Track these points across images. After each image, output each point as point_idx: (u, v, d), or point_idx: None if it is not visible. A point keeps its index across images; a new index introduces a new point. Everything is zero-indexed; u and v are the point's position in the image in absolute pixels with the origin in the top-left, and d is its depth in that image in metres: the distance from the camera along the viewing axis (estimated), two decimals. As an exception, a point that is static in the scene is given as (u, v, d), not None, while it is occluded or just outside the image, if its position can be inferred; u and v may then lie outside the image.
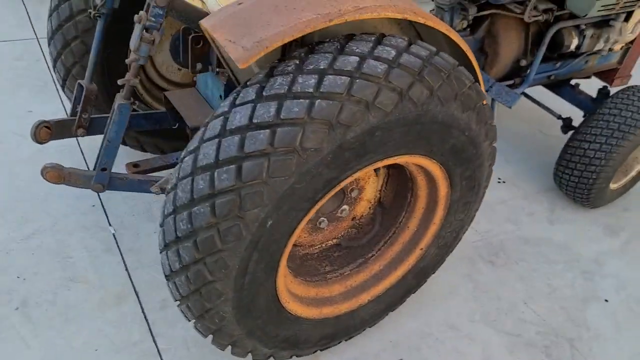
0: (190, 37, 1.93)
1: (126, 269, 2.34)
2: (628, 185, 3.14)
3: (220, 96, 2.08)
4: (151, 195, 2.03)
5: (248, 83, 1.53)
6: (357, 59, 1.49)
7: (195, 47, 1.97)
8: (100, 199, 2.64)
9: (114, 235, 2.49)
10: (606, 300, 2.57)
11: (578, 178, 2.89)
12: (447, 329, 2.33)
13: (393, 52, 1.53)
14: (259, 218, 1.46)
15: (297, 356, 2.05)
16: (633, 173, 3.11)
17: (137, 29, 1.70)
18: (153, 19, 1.68)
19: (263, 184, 1.42)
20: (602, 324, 2.46)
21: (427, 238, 2.10)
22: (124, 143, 2.59)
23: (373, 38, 1.57)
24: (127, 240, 2.47)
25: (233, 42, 1.45)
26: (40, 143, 2.10)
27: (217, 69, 2.03)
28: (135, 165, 2.22)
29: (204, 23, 1.59)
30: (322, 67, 1.47)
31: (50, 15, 2.31)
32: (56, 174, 1.92)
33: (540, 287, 2.58)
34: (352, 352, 2.19)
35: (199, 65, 2.02)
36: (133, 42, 1.71)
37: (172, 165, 2.30)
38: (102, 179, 1.98)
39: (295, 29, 1.44)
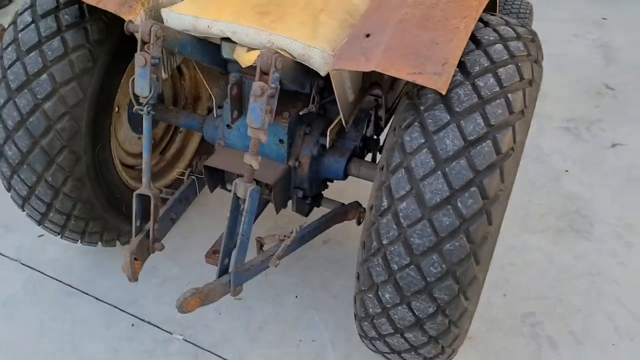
0: (230, 86, 1.75)
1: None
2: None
3: (281, 140, 1.92)
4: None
5: (422, 109, 1.49)
6: (501, 45, 1.55)
7: (233, 95, 1.78)
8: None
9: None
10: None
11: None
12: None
13: (510, 30, 1.62)
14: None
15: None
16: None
17: (258, 102, 1.46)
18: (274, 85, 1.46)
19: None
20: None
21: None
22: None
23: (488, 23, 1.62)
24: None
25: (420, 73, 1.39)
26: (137, 279, 1.70)
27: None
28: (215, 251, 1.93)
29: (346, 66, 1.48)
30: (487, 65, 1.50)
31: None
32: (197, 300, 1.59)
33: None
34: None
35: (235, 113, 1.84)
36: (257, 119, 1.47)
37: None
38: (241, 278, 1.71)
39: (461, 37, 1.44)
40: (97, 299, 2.29)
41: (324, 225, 2.08)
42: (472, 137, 1.42)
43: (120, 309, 2.25)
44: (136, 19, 1.70)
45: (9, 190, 1.96)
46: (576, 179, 3.01)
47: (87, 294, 2.31)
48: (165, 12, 1.72)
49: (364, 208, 2.14)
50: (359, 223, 2.20)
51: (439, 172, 1.43)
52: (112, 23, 1.86)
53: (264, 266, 1.82)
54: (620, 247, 2.62)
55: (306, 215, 2.12)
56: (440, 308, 1.51)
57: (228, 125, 1.97)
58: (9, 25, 1.85)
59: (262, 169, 1.92)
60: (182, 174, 2.15)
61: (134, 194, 1.75)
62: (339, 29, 1.69)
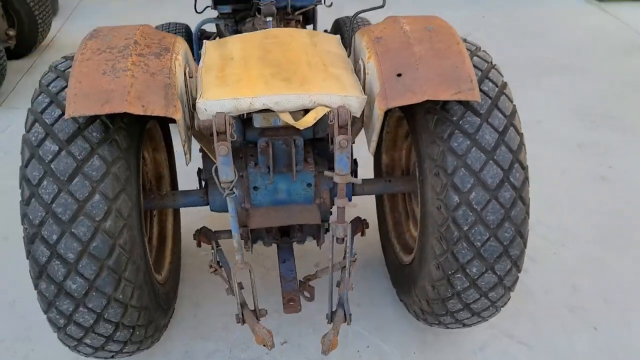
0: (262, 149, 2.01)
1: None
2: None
3: (309, 184, 2.14)
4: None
5: (455, 119, 1.87)
6: (479, 58, 2.02)
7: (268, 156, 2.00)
8: None
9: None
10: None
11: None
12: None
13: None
14: None
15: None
16: None
17: (344, 152, 1.70)
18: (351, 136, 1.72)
19: None
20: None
21: None
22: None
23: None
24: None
25: (459, 92, 1.78)
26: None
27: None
28: (290, 299, 2.07)
29: (400, 102, 1.79)
30: (480, 74, 1.95)
31: None
32: (336, 339, 1.76)
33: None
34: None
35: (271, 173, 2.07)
36: (346, 167, 1.71)
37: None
38: (349, 308, 1.92)
39: (468, 57, 1.87)
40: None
41: None
42: (500, 128, 1.87)
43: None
44: (179, 115, 1.78)
45: (64, 327, 1.85)
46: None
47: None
48: (202, 102, 1.82)
49: (366, 221, 2.46)
50: (362, 234, 2.51)
51: (491, 161, 1.84)
52: (130, 126, 1.88)
53: (345, 294, 2.04)
54: None
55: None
56: (514, 263, 1.94)
57: (255, 187, 2.12)
58: (27, 164, 1.75)
59: (297, 213, 2.15)
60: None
61: (233, 273, 1.83)
62: (349, 76, 2.00)
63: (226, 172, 1.71)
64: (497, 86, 1.93)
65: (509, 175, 1.85)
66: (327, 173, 1.83)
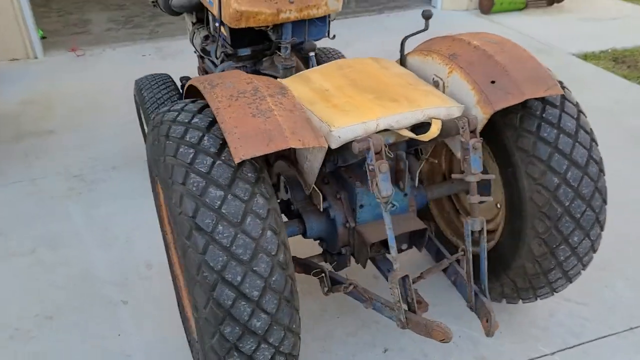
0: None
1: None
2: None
3: (405, 194, 2.34)
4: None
5: (538, 113, 2.19)
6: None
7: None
8: None
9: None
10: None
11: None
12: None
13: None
14: None
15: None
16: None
17: (477, 154, 1.93)
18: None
19: None
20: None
21: None
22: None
23: None
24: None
25: (549, 88, 2.11)
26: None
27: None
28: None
29: (505, 104, 2.07)
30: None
31: None
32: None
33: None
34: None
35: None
36: (479, 166, 1.94)
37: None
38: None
39: (535, 57, 2.21)
40: None
41: None
42: (575, 115, 2.22)
43: None
44: (326, 145, 1.91)
45: None
46: None
47: None
48: (336, 130, 1.96)
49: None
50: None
51: (576, 143, 2.17)
52: (262, 164, 1.96)
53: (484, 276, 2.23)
54: None
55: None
56: (600, 227, 2.28)
57: (361, 206, 2.27)
58: (195, 214, 1.77)
59: (404, 223, 2.34)
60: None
61: (393, 280, 1.97)
62: (436, 90, 2.25)
63: (386, 187, 1.86)
64: (558, 81, 2.28)
65: (591, 153, 2.20)
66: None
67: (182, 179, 1.82)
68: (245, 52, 3.07)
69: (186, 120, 1.95)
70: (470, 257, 2.12)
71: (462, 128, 2.00)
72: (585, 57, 5.91)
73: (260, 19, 2.81)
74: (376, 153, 1.86)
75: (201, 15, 3.58)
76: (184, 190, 1.80)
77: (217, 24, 3.08)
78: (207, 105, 2.02)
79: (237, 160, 1.75)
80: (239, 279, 1.76)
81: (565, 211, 2.17)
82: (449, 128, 2.05)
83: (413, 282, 2.38)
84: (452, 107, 2.12)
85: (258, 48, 3.09)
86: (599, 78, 5.44)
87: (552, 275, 2.33)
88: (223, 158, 1.84)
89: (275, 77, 3.11)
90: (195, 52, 3.70)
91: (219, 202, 1.78)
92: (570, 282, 2.43)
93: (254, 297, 1.78)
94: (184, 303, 2.50)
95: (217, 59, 3.15)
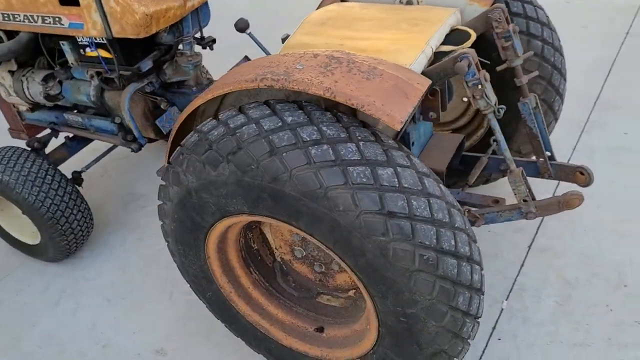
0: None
1: None
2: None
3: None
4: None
5: None
6: None
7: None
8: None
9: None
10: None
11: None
12: None
13: None
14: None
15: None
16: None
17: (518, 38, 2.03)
18: None
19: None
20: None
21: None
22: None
23: None
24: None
25: None
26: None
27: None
28: (496, 200, 2.27)
29: None
30: None
31: None
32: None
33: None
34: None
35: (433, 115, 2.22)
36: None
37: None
38: None
39: None
40: None
41: None
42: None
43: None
44: None
45: None
46: None
47: None
48: (411, 66, 1.85)
49: None
50: None
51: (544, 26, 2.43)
52: None
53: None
54: None
55: None
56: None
57: (412, 143, 2.21)
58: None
59: (443, 144, 2.38)
60: None
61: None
62: (425, 5, 2.28)
63: (492, 93, 1.86)
64: None
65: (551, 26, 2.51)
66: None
67: (342, 178, 1.53)
68: (147, 65, 2.55)
69: (279, 124, 1.62)
70: (537, 133, 2.22)
71: (499, 20, 2.07)
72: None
73: (170, 16, 2.36)
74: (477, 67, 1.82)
75: (26, 57, 2.84)
76: (354, 188, 1.52)
77: (91, 50, 2.49)
78: (266, 103, 1.73)
79: (398, 127, 1.55)
80: (452, 242, 1.60)
81: (554, 68, 2.45)
82: (477, 28, 2.11)
83: (462, 190, 2.43)
84: (456, 13, 2.17)
85: (157, 56, 2.59)
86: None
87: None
88: (365, 136, 1.61)
89: (184, 82, 2.71)
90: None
91: (395, 180, 1.56)
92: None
93: (466, 253, 1.65)
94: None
95: (91, 94, 2.63)
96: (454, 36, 2.12)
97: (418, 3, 2.31)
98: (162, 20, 2.33)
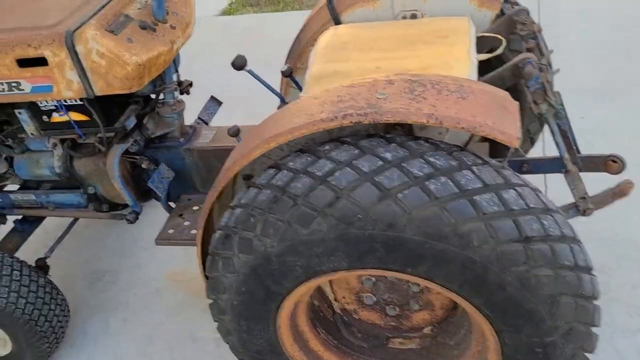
0: None
1: None
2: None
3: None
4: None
5: None
6: None
7: None
8: None
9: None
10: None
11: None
12: None
13: None
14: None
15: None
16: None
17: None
18: None
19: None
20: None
21: None
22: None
23: None
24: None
25: None
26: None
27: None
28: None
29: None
30: None
31: None
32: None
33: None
34: None
35: None
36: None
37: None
38: None
39: None
40: None
41: None
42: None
43: None
44: None
45: None
46: None
47: None
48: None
49: None
50: None
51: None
52: None
53: None
54: None
55: None
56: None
57: None
58: None
59: None
60: None
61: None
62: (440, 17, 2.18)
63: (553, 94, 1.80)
64: None
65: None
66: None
67: (472, 210, 1.37)
68: (131, 122, 2.21)
69: (379, 163, 1.43)
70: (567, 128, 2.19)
71: (525, 22, 2.03)
72: None
73: (161, 63, 2.07)
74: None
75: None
76: (486, 218, 1.37)
77: (60, 114, 2.13)
78: (344, 142, 1.54)
79: (516, 144, 1.42)
80: (581, 256, 1.50)
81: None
82: (501, 32, 2.06)
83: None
84: (470, 20, 2.11)
85: (137, 110, 2.26)
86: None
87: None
88: (473, 160, 1.46)
89: (167, 135, 2.41)
90: None
91: (522, 202, 1.42)
92: None
93: (588, 264, 1.55)
94: None
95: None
96: (479, 43, 2.05)
97: (422, 16, 2.22)
98: (153, 69, 2.03)
